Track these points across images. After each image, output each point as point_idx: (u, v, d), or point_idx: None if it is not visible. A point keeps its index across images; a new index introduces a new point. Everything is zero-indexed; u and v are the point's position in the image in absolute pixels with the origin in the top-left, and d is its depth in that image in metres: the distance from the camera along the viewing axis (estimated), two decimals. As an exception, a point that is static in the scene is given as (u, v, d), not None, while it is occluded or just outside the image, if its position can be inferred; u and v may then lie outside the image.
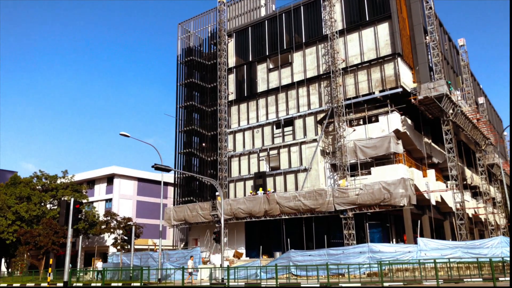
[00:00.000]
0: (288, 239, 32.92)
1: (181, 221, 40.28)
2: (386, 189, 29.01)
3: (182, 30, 47.84)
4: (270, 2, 44.52)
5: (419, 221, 31.74)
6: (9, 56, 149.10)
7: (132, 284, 26.98)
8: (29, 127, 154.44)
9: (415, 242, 25.88)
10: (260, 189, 36.05)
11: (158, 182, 52.31)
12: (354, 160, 32.05)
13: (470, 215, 38.99)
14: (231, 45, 43.02)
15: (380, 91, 32.89)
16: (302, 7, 38.62)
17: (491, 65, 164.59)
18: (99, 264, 34.84)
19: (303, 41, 37.83)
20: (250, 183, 37.94)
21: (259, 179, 36.89)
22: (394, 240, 32.97)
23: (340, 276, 24.07)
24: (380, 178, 30.25)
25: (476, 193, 44.28)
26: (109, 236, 45.94)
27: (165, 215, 41.03)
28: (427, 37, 34.47)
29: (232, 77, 42.04)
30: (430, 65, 34.52)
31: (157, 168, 23.38)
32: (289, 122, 37.20)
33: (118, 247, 41.60)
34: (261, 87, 39.75)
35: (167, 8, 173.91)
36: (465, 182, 39.60)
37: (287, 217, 33.57)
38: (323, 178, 33.94)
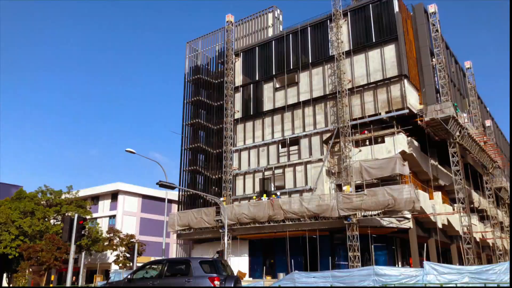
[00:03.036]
0: (292, 260, 32.52)
1: (185, 226, 39.69)
2: (390, 194, 28.75)
3: (190, 49, 48.42)
4: (277, 22, 45.08)
5: (425, 245, 31.23)
6: (14, 69, 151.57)
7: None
8: (35, 142, 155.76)
9: (421, 266, 25.36)
10: (264, 195, 35.89)
11: (162, 199, 52.05)
12: (360, 181, 31.82)
13: (478, 239, 38.35)
14: (238, 64, 43.42)
15: (386, 112, 32.88)
16: (309, 28, 39.01)
17: (498, 88, 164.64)
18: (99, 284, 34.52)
19: (310, 61, 38.09)
20: (254, 202, 37.70)
21: (264, 198, 36.70)
22: (399, 263, 32.45)
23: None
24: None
25: (483, 216, 43.66)
26: (111, 253, 45.63)
27: (169, 220, 40.61)
28: (433, 59, 34.60)
29: (238, 96, 42.30)
30: (437, 87, 34.55)
31: (162, 185, 23.35)
32: (295, 141, 37.18)
33: (120, 265, 41.25)
34: (267, 106, 39.91)
35: (176, 26, 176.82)
36: (472, 206, 39.09)
37: (291, 222, 33.16)
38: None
